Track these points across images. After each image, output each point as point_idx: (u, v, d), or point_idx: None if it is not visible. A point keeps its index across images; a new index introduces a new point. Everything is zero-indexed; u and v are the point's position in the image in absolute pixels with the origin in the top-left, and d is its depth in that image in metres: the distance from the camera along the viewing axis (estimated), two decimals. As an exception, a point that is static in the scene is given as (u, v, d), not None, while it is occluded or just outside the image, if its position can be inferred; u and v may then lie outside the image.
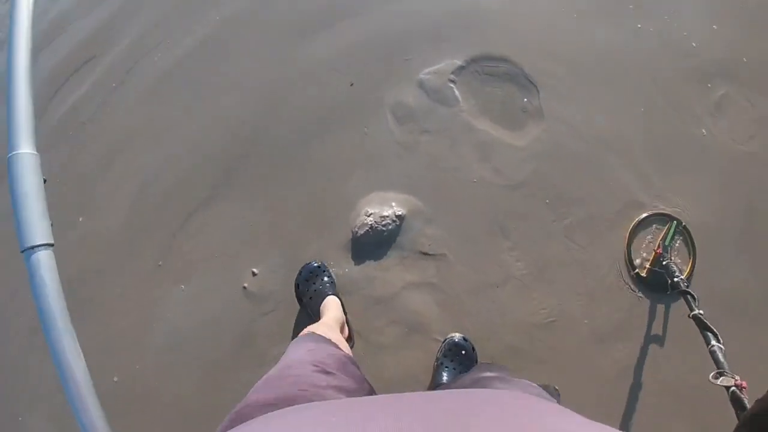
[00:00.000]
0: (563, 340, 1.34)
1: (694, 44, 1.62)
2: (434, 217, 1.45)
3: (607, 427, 0.35)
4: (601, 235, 1.44)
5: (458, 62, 1.58)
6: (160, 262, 1.52)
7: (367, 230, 1.42)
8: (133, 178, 1.62)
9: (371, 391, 0.73)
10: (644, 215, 1.45)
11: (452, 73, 1.58)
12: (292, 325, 1.44)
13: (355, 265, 1.45)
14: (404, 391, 0.66)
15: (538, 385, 0.68)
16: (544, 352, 1.34)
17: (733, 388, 0.81)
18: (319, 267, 1.39)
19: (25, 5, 0.60)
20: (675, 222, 1.43)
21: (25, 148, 0.55)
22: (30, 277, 0.51)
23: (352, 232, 1.45)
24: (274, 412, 0.45)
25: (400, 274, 1.43)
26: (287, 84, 1.65)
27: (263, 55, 1.70)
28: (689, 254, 1.42)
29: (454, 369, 1.27)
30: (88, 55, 1.82)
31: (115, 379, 1.42)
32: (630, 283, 1.40)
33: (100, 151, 1.67)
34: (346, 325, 1.31)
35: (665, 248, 1.41)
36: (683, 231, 1.43)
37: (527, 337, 1.35)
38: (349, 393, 0.63)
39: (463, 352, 1.29)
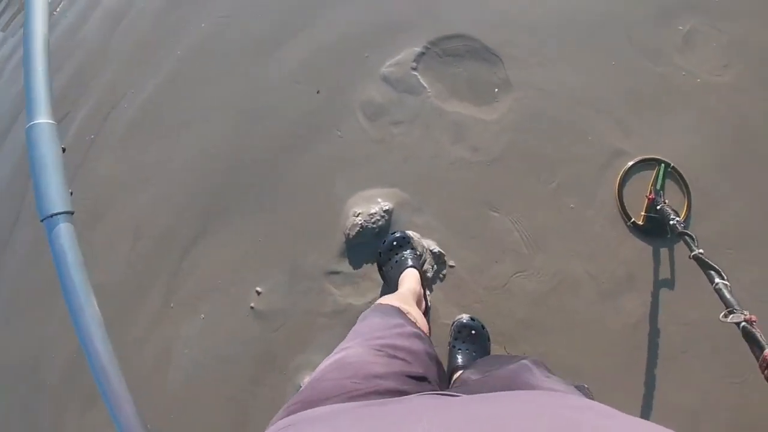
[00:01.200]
0: (571, 304, 1.34)
1: (651, -16, 1.59)
2: (421, 206, 1.46)
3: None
4: (591, 192, 1.43)
5: (417, 49, 1.59)
6: (172, 304, 1.57)
7: (358, 230, 1.44)
8: (125, 227, 1.67)
9: (438, 372, 0.72)
10: (630, 163, 1.43)
11: (413, 61, 1.58)
12: (305, 336, 1.46)
13: (353, 268, 1.47)
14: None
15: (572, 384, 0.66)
16: (554, 319, 1.34)
17: (744, 323, 0.79)
18: (403, 238, 1.38)
19: None
20: (663, 164, 1.41)
21: (43, 118, 0.54)
22: (50, 244, 0.51)
23: (345, 235, 1.47)
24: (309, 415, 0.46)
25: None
26: (255, 105, 1.68)
27: (225, 83, 1.74)
28: (684, 195, 1.40)
29: (467, 350, 1.28)
30: (62, 114, 1.88)
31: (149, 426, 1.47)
32: (628, 233, 1.38)
33: (87, 207, 1.72)
34: (423, 299, 1.29)
35: (657, 192, 1.40)
36: (672, 172, 1.41)
37: (535, 307, 1.35)
38: (410, 378, 0.61)
39: (473, 331, 1.30)
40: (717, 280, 0.95)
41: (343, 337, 1.34)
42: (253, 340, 1.50)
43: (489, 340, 1.32)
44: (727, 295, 0.90)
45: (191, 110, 1.74)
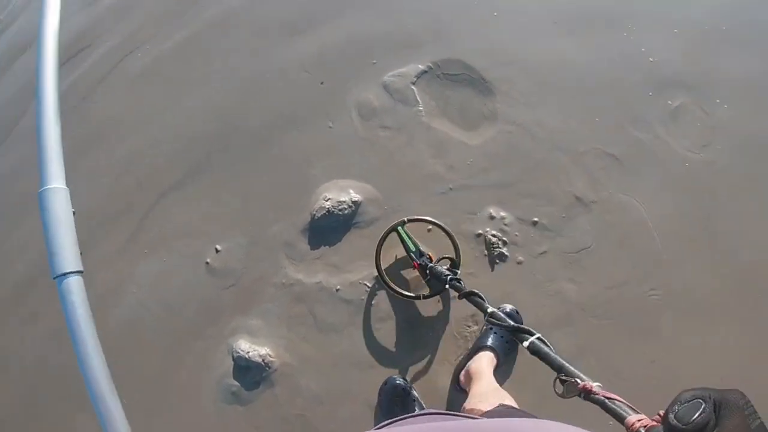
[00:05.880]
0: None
1: (651, 59, 1.70)
2: (388, 206, 1.54)
3: None
4: (556, 228, 1.48)
5: (421, 66, 1.70)
6: (146, 250, 1.65)
7: (324, 213, 1.51)
8: (113, 161, 1.77)
9: None
10: (383, 233, 1.39)
11: (415, 76, 1.70)
12: (250, 300, 1.51)
13: (310, 248, 1.54)
14: None
15: None
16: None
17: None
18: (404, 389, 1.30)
19: (51, 50, 0.64)
20: (398, 227, 1.37)
21: (56, 183, 0.59)
22: (62, 301, 0.55)
23: (311, 215, 1.54)
24: None
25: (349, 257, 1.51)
26: (262, 81, 1.79)
27: (242, 54, 1.86)
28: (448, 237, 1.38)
29: (501, 336, 1.32)
30: (84, 44, 2.03)
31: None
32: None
33: (87, 132, 1.83)
34: None
35: (416, 255, 1.33)
36: (408, 230, 1.37)
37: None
38: None
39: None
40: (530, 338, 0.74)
41: (285, 309, 1.38)
42: (201, 293, 1.56)
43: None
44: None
45: (202, 71, 1.86)
